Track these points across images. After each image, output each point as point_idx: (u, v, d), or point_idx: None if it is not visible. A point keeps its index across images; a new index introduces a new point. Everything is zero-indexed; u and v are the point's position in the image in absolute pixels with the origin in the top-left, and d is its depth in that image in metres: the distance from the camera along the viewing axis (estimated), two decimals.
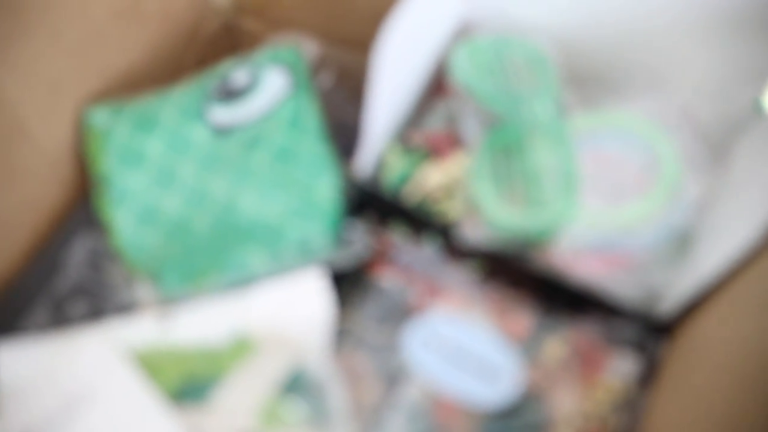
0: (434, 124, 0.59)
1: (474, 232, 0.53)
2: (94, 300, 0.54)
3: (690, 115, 0.57)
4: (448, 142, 0.57)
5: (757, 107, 0.56)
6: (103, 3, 0.61)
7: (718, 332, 0.49)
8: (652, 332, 0.52)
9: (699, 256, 0.52)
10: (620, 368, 0.51)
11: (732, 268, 0.49)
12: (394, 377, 0.51)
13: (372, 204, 0.55)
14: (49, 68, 0.57)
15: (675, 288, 0.52)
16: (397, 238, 0.55)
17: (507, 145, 0.55)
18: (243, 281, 0.54)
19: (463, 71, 0.57)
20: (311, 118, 0.58)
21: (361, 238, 0.55)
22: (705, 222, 0.54)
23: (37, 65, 0.56)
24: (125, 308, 0.53)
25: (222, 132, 0.58)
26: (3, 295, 0.56)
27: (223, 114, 0.59)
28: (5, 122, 0.55)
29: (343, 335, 0.53)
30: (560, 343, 0.52)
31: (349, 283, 0.54)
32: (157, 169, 0.58)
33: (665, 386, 0.50)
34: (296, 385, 0.50)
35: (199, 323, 0.52)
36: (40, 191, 0.58)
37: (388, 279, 0.54)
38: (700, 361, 0.48)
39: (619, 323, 0.52)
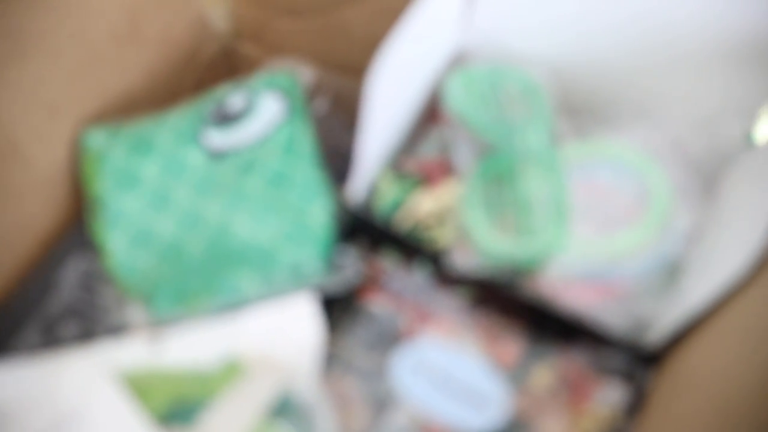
0: (427, 152, 0.59)
1: (464, 260, 0.54)
2: (85, 322, 0.54)
3: (681, 146, 0.57)
4: (441, 170, 0.58)
5: (748, 139, 0.57)
6: (102, 26, 0.61)
7: (705, 362, 0.49)
8: (640, 362, 0.52)
9: (688, 286, 0.53)
10: (608, 397, 0.51)
11: (720, 299, 0.49)
12: (382, 403, 0.52)
13: (364, 230, 0.56)
14: (47, 90, 0.58)
15: (664, 318, 0.52)
16: (388, 264, 0.55)
17: (499, 173, 0.56)
18: (234, 304, 0.54)
19: (457, 100, 0.58)
20: (306, 143, 0.58)
21: (352, 264, 0.55)
22: (694, 252, 0.54)
23: (34, 87, 0.57)
24: (117, 330, 0.54)
25: (217, 156, 0.59)
26: None
27: (218, 138, 0.59)
28: (1, 143, 0.56)
29: (332, 360, 0.53)
30: (548, 371, 0.52)
31: (339, 308, 0.54)
32: (151, 192, 0.58)
33: (652, 416, 0.50)
34: (285, 409, 0.50)
35: (189, 346, 0.52)
36: (35, 212, 0.58)
37: (378, 305, 0.55)
38: (688, 391, 0.48)
39: (607, 352, 0.52)
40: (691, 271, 0.54)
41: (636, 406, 0.51)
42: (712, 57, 0.57)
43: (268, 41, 0.71)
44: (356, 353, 0.53)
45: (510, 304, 0.53)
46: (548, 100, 0.58)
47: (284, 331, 0.52)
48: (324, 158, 0.59)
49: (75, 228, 0.59)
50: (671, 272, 0.54)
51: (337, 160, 0.59)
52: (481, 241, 0.54)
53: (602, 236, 0.54)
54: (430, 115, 0.60)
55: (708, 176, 0.57)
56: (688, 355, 0.50)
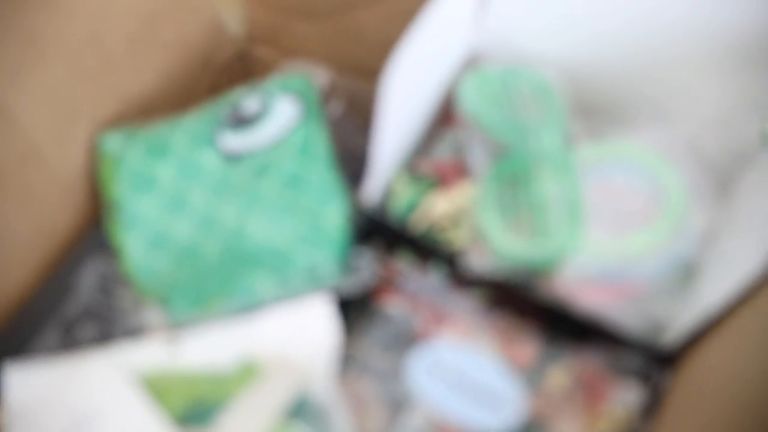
0: (441, 153, 0.59)
1: (479, 261, 0.54)
2: (103, 324, 0.55)
3: (696, 147, 0.57)
4: (455, 172, 0.58)
5: (764, 139, 0.57)
6: (118, 30, 0.62)
7: (722, 363, 0.49)
8: (656, 362, 0.52)
9: (703, 287, 0.53)
10: (624, 398, 0.51)
11: (736, 299, 0.49)
12: (398, 404, 0.52)
13: (379, 231, 0.56)
14: (64, 94, 0.58)
15: (679, 318, 0.52)
16: (404, 265, 0.55)
17: (513, 175, 0.56)
18: (251, 306, 0.54)
19: (471, 101, 0.58)
20: (320, 145, 0.59)
21: (367, 266, 0.55)
22: (710, 253, 0.54)
23: (51, 91, 0.58)
24: (134, 332, 0.54)
25: (232, 159, 0.59)
26: (14, 318, 0.57)
27: (233, 141, 0.59)
28: (19, 147, 0.56)
29: (348, 361, 0.53)
30: (564, 372, 0.52)
31: (355, 309, 0.55)
32: (168, 195, 0.58)
33: (669, 417, 0.50)
34: (301, 410, 0.50)
35: (206, 348, 0.53)
36: (53, 215, 0.59)
37: (394, 306, 0.55)
38: (704, 392, 0.48)
39: (623, 353, 0.52)
40: (706, 271, 0.53)
41: (652, 407, 0.51)
42: (728, 56, 0.57)
43: (283, 44, 0.71)
44: (372, 354, 0.53)
45: (525, 305, 0.53)
46: (562, 101, 0.58)
47: (300, 333, 0.53)
48: (339, 160, 0.59)
49: (93, 231, 0.60)
50: (686, 272, 0.54)
51: (352, 163, 0.59)
52: (496, 243, 0.54)
53: (617, 237, 0.54)
54: (444, 116, 0.61)
55: (723, 176, 0.57)
56: (704, 355, 0.50)
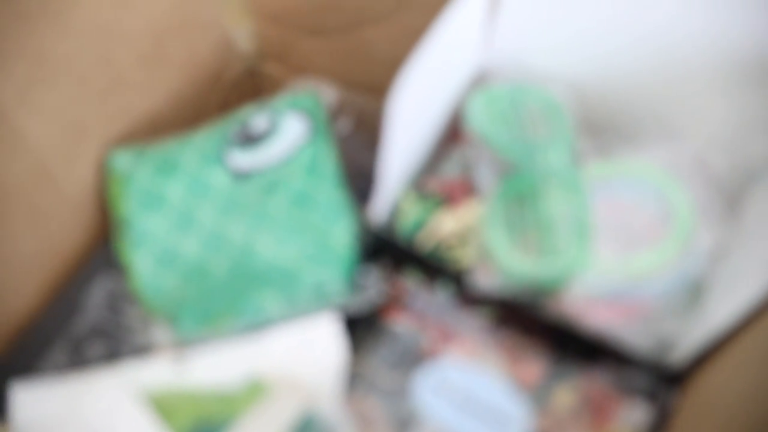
0: (449, 172, 0.59)
1: (487, 280, 0.54)
2: (111, 341, 0.55)
3: (704, 165, 0.57)
4: (463, 190, 0.58)
5: None
6: (128, 48, 0.62)
7: (729, 382, 0.49)
8: (664, 381, 0.52)
9: (711, 305, 0.52)
10: (631, 417, 0.51)
11: (744, 318, 0.49)
12: (404, 423, 0.52)
13: (386, 250, 0.56)
14: (73, 113, 0.59)
15: (687, 337, 0.52)
16: (411, 284, 0.56)
17: (521, 193, 0.56)
18: (258, 325, 0.55)
19: (479, 119, 0.58)
20: (329, 164, 0.59)
21: (375, 284, 0.55)
22: (718, 272, 0.54)
23: (61, 110, 0.58)
24: (142, 350, 0.54)
25: (241, 176, 0.59)
26: (23, 336, 0.57)
27: (242, 159, 0.60)
28: (28, 165, 0.57)
29: (355, 379, 0.53)
30: (571, 391, 0.52)
31: (362, 327, 0.55)
32: (176, 213, 0.59)
33: None
34: (308, 429, 0.50)
35: (213, 366, 0.53)
36: (62, 233, 0.59)
37: (401, 324, 0.55)
38: (711, 411, 0.48)
39: (630, 372, 0.52)
40: (714, 290, 0.53)
41: (659, 426, 0.51)
42: (736, 74, 0.57)
43: (292, 62, 0.72)
44: (379, 373, 0.53)
45: (532, 323, 0.53)
46: (570, 119, 0.58)
47: (307, 351, 0.53)
48: (347, 178, 0.59)
49: (101, 248, 0.60)
50: (694, 291, 0.54)
51: (360, 181, 0.59)
52: (503, 261, 0.54)
53: (625, 255, 0.54)
54: (452, 134, 0.61)
55: (731, 194, 0.57)
56: (712, 375, 0.50)
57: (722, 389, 0.49)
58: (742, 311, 0.49)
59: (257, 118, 0.61)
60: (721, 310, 0.50)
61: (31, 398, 0.51)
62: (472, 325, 0.54)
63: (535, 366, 0.53)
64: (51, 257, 0.59)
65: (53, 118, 0.58)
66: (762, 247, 0.52)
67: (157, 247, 0.58)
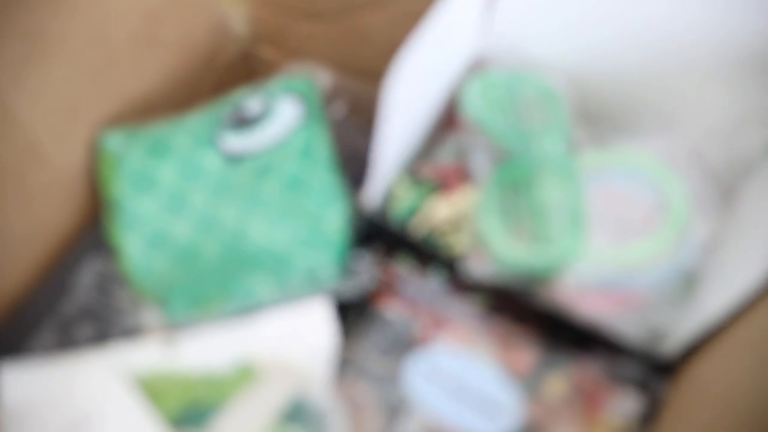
0: (444, 158, 0.59)
1: (480, 267, 0.54)
2: (100, 323, 0.55)
3: (700, 156, 0.57)
4: (457, 176, 0.58)
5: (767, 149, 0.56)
6: (121, 29, 0.62)
7: (720, 373, 0.49)
8: (655, 372, 0.51)
9: (704, 296, 0.52)
10: (622, 407, 0.51)
11: (737, 309, 0.49)
12: (395, 409, 0.52)
13: (379, 235, 0.56)
14: (66, 92, 0.58)
15: (679, 328, 0.52)
16: (403, 269, 0.55)
17: (515, 180, 0.56)
18: (249, 309, 0.54)
19: (475, 106, 0.58)
20: (322, 148, 0.58)
21: (367, 269, 0.55)
22: (711, 262, 0.54)
23: (53, 89, 0.57)
24: (131, 332, 0.54)
25: (234, 160, 0.59)
26: (11, 316, 0.56)
27: (235, 142, 0.59)
28: (20, 145, 0.56)
29: (346, 365, 0.53)
30: (562, 379, 0.52)
31: (354, 313, 0.54)
32: (168, 195, 0.58)
33: (666, 426, 0.50)
34: (297, 414, 0.50)
35: (203, 349, 0.52)
36: (52, 214, 0.59)
37: (392, 310, 0.54)
38: (702, 402, 0.48)
39: (622, 362, 0.52)
40: (707, 281, 0.53)
41: (650, 416, 0.51)
42: (733, 66, 0.57)
43: (287, 45, 0.71)
44: (370, 359, 0.53)
45: (525, 311, 0.53)
46: (566, 108, 0.58)
47: (298, 336, 0.52)
48: (340, 163, 0.59)
49: (91, 230, 0.59)
50: (688, 282, 0.54)
51: (353, 165, 0.59)
52: (497, 249, 0.54)
53: (619, 245, 0.54)
54: (448, 120, 0.60)
55: (726, 186, 0.57)
56: (703, 365, 0.50)
57: (713, 380, 0.49)
58: (735, 303, 0.49)
59: (251, 101, 0.60)
60: (714, 301, 0.50)
61: (19, 379, 0.51)
62: (464, 312, 0.54)
63: (527, 354, 0.53)
64: (41, 238, 0.58)
65: (45, 98, 0.57)
66: (756, 239, 0.52)
67: (148, 229, 0.58)
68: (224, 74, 0.71)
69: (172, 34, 0.66)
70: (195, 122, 0.61)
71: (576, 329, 0.52)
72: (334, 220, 0.56)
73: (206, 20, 0.68)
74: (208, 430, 0.50)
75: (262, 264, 0.56)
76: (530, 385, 0.52)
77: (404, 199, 0.57)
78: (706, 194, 0.56)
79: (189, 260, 0.57)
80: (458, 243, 0.55)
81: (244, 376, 0.51)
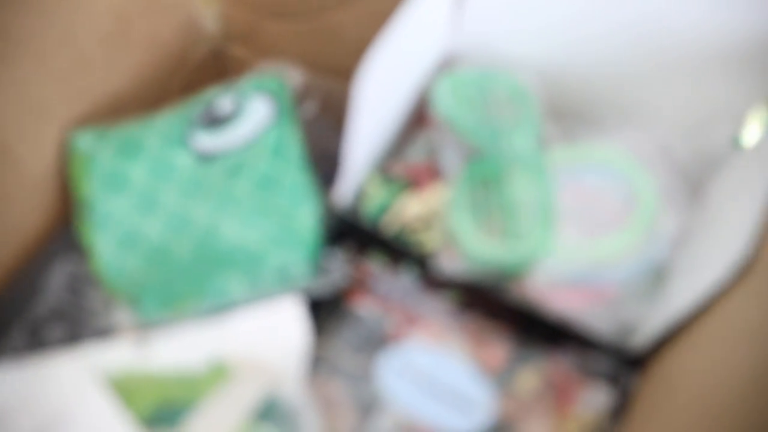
0: (415, 155, 0.59)
1: (451, 263, 0.54)
2: (71, 324, 0.54)
3: (668, 151, 0.58)
4: (428, 174, 0.58)
5: (736, 144, 0.57)
6: (90, 28, 0.61)
7: (690, 366, 0.49)
8: (626, 365, 0.52)
9: (673, 290, 0.53)
10: (593, 401, 0.51)
11: (705, 302, 0.49)
12: (368, 406, 0.52)
13: (351, 233, 0.56)
14: (35, 92, 0.58)
15: (649, 322, 0.53)
16: (375, 267, 0.55)
17: (486, 177, 0.56)
18: (221, 307, 0.54)
19: (445, 103, 0.58)
20: (294, 146, 0.58)
21: (339, 267, 0.55)
22: (680, 257, 0.54)
23: (22, 89, 0.57)
24: (103, 333, 0.54)
25: (205, 159, 0.59)
26: None
27: (206, 141, 0.59)
28: None
29: (318, 363, 0.53)
30: (534, 374, 0.52)
31: (326, 310, 0.54)
32: (139, 194, 0.58)
33: (637, 419, 0.50)
34: (270, 412, 0.50)
35: (176, 349, 0.52)
36: (22, 214, 0.58)
37: (365, 308, 0.55)
38: (672, 394, 0.49)
39: (592, 356, 0.52)
40: (676, 275, 0.54)
41: (621, 409, 0.51)
42: (700, 62, 0.57)
43: (258, 44, 0.71)
44: (343, 356, 0.53)
45: (496, 307, 0.53)
46: (536, 105, 0.58)
47: (271, 334, 0.52)
48: (312, 161, 0.59)
49: (62, 230, 0.59)
50: (657, 276, 0.54)
51: (325, 164, 0.59)
52: (468, 245, 0.54)
53: (589, 240, 0.55)
54: (418, 118, 0.61)
55: (695, 181, 0.57)
56: (672, 358, 0.50)
57: (682, 373, 0.49)
58: (704, 296, 0.49)
59: (222, 100, 0.60)
60: (683, 294, 0.51)
61: None
62: (436, 309, 0.54)
63: (499, 349, 0.53)
64: (11, 238, 0.58)
65: (14, 98, 0.57)
66: (724, 234, 0.52)
67: (120, 228, 0.57)
68: (194, 73, 0.70)
69: (142, 33, 0.65)
70: (166, 121, 0.60)
71: (547, 324, 0.53)
72: (305, 219, 0.56)
73: (177, 19, 0.68)
74: (181, 430, 0.50)
75: (235, 263, 0.56)
76: (502, 380, 0.52)
77: (375, 197, 0.57)
78: (675, 189, 0.56)
79: (161, 260, 0.57)
80: (429, 240, 0.55)
81: (216, 374, 0.51)
